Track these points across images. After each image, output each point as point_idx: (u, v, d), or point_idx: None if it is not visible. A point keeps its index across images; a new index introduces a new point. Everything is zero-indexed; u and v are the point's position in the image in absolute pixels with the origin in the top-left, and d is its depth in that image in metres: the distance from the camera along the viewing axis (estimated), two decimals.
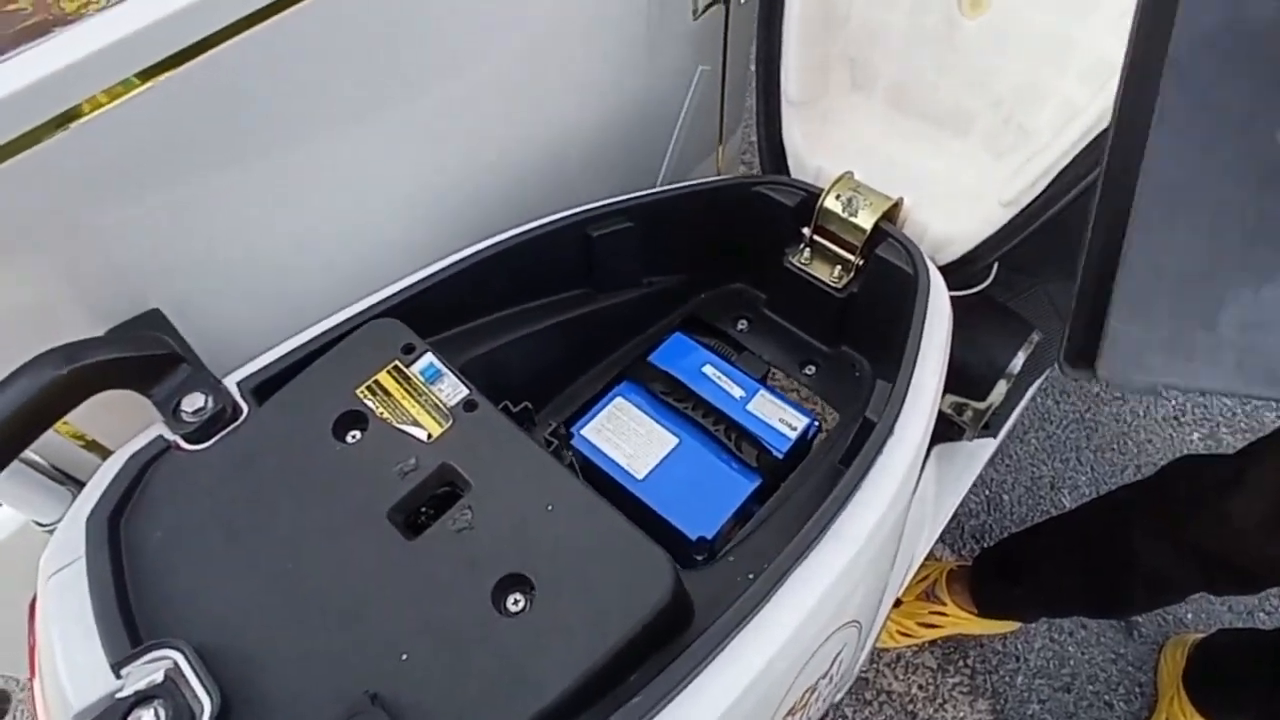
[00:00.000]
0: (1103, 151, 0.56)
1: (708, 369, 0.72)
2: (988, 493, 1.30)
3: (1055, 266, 1.06)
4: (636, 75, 0.82)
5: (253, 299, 0.55)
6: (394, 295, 0.52)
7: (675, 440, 0.67)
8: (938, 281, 0.64)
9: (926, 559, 1.21)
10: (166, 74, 0.43)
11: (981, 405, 0.75)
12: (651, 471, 0.65)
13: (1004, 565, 1.05)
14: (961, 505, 1.29)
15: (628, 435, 0.68)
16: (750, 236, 0.75)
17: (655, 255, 0.73)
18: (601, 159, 0.86)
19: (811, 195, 0.71)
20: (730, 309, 0.80)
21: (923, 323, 0.58)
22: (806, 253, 0.73)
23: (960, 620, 1.10)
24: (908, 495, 0.47)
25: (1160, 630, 1.18)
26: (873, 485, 0.45)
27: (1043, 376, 0.96)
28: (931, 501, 0.79)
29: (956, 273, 0.71)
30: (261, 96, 0.48)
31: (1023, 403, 0.95)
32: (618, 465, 0.65)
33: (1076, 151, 0.59)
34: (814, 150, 0.76)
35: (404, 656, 0.34)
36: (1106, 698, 1.14)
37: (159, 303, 0.50)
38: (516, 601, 0.36)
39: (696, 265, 0.78)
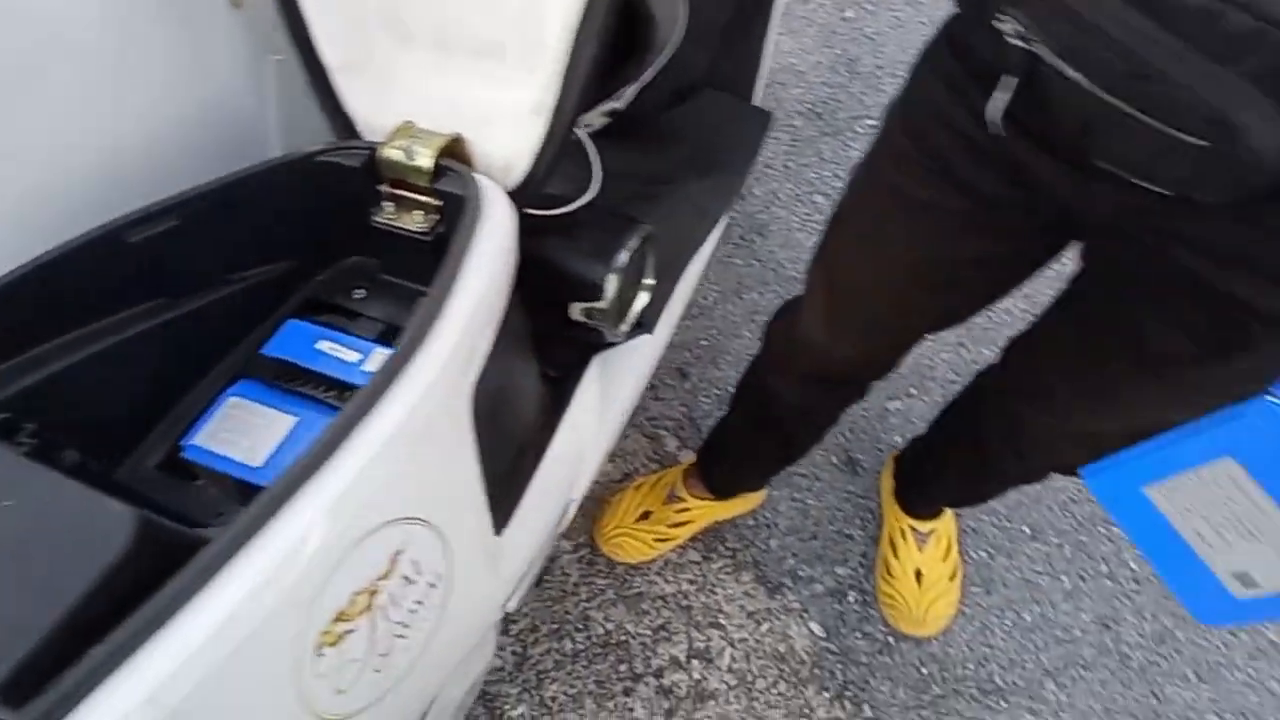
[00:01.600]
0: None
1: (322, 344, 0.72)
2: (716, 391, 1.40)
3: (690, 169, 1.15)
4: (186, 77, 0.79)
5: None
6: None
7: (294, 419, 0.67)
8: (493, 198, 0.67)
9: (668, 463, 1.29)
10: None
11: (604, 305, 0.80)
12: (270, 456, 0.64)
13: (712, 448, 1.13)
14: (696, 407, 1.38)
15: (245, 430, 0.67)
16: (336, 207, 0.75)
17: (231, 249, 0.71)
18: (189, 170, 0.83)
19: (375, 152, 0.72)
20: (348, 282, 0.80)
21: (468, 237, 0.61)
22: (390, 208, 0.75)
23: (705, 509, 1.18)
24: (433, 405, 0.49)
25: (878, 459, 1.32)
26: (392, 397, 0.47)
27: (694, 265, 1.04)
28: (595, 407, 0.84)
29: (531, 189, 0.75)
30: None
31: (679, 295, 1.02)
32: (234, 461, 0.64)
33: (569, 49, 0.64)
34: (377, 110, 0.77)
35: None
36: (847, 531, 1.27)
37: None
38: None
39: (298, 249, 0.78)
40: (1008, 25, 0.46)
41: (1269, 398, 0.53)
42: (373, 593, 0.45)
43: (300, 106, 0.95)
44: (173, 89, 0.77)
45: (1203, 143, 0.40)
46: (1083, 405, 0.70)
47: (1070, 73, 0.43)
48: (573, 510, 0.81)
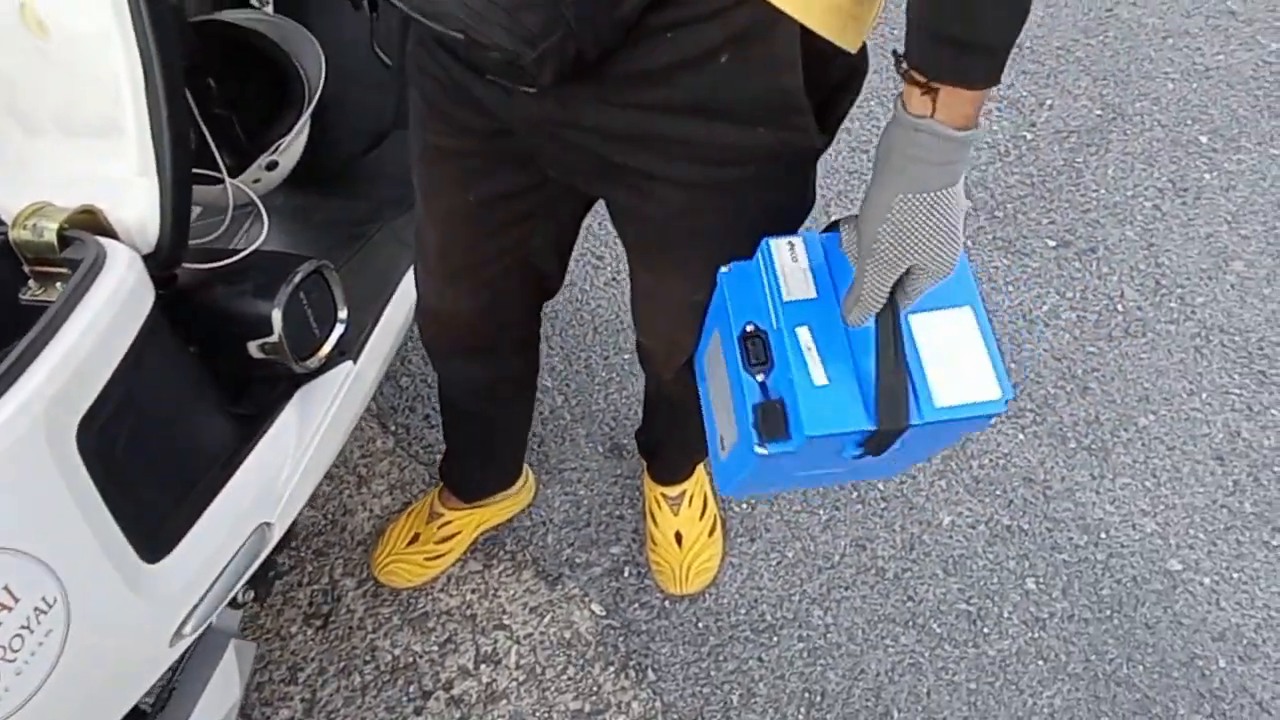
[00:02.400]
0: None
1: None
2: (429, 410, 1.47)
3: (391, 206, 1.23)
4: None
5: None
6: None
7: None
8: (114, 258, 0.73)
9: (417, 491, 1.35)
10: None
11: (275, 339, 0.86)
12: None
13: (444, 458, 1.21)
14: (426, 426, 1.43)
15: None
16: None
17: None
18: None
19: (8, 235, 0.76)
20: None
21: (76, 295, 0.66)
22: (34, 285, 0.78)
23: (466, 518, 1.24)
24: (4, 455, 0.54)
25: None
26: None
27: (396, 295, 1.11)
28: (293, 437, 0.89)
29: (170, 245, 0.80)
30: None
31: (391, 322, 1.09)
32: None
33: (144, 108, 0.71)
34: (17, 198, 0.81)
35: None
36: (618, 512, 1.36)
37: None
38: None
39: None
40: None
41: (723, 269, 0.65)
42: None
43: None
44: None
45: (461, 36, 0.51)
46: (651, 316, 0.83)
47: None
48: (276, 534, 0.86)
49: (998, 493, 1.47)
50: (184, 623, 0.70)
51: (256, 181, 1.02)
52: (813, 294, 0.62)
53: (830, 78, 0.59)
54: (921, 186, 0.52)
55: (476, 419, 1.08)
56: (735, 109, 0.58)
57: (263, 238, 0.96)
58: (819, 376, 0.59)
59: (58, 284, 0.77)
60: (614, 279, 1.67)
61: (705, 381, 0.75)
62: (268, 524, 0.84)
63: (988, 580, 1.40)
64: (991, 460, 1.50)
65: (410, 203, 1.27)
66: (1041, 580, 1.40)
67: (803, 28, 0.53)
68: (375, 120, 1.27)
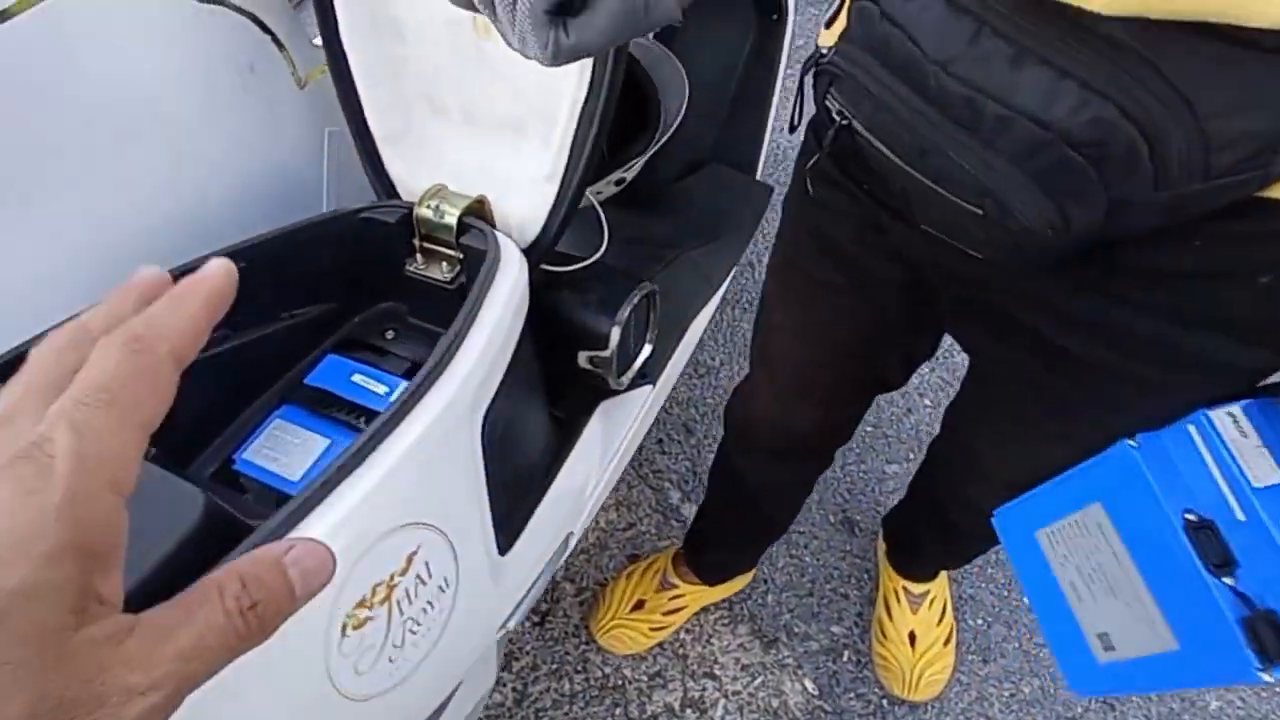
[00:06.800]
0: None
1: (356, 377, 0.81)
2: (693, 481, 1.45)
3: (696, 236, 1.25)
4: (258, 141, 0.91)
5: None
6: None
7: (327, 442, 0.75)
8: (509, 252, 0.76)
9: (670, 516, 1.34)
10: None
11: (605, 353, 0.88)
12: (305, 472, 0.72)
13: (696, 536, 1.18)
14: (700, 462, 1.42)
15: (285, 448, 0.75)
16: (375, 258, 0.85)
17: (284, 290, 0.81)
18: (259, 218, 0.94)
19: (411, 210, 0.82)
20: (381, 324, 0.89)
21: (485, 285, 0.70)
22: (420, 259, 0.84)
23: (698, 595, 1.21)
24: (446, 428, 0.57)
25: (876, 521, 1.36)
26: (408, 424, 0.55)
27: (691, 326, 1.12)
28: (598, 450, 0.91)
29: (543, 246, 0.84)
30: None
31: (681, 352, 1.10)
32: (274, 474, 0.72)
33: (575, 125, 0.74)
34: (414, 175, 0.88)
35: None
36: (842, 590, 1.30)
37: None
38: None
39: (340, 293, 0.87)
40: (833, 104, 0.55)
41: (1130, 443, 0.58)
42: (391, 586, 0.51)
43: (346, 170, 1.07)
44: (249, 151, 0.88)
45: (980, 211, 0.47)
46: (1004, 463, 0.75)
47: (876, 144, 0.51)
48: (573, 543, 0.87)
49: None
50: (510, 616, 0.72)
51: (598, 194, 1.05)
52: (1278, 478, 0.51)
53: None
54: None
55: (752, 514, 1.04)
56: (1248, 326, 0.52)
57: (603, 248, 0.98)
58: None
59: (443, 264, 0.83)
60: None
61: (1044, 559, 0.67)
62: (571, 533, 0.85)
63: None
64: None
65: (710, 237, 1.28)
66: None
67: None
68: (695, 150, 1.30)
